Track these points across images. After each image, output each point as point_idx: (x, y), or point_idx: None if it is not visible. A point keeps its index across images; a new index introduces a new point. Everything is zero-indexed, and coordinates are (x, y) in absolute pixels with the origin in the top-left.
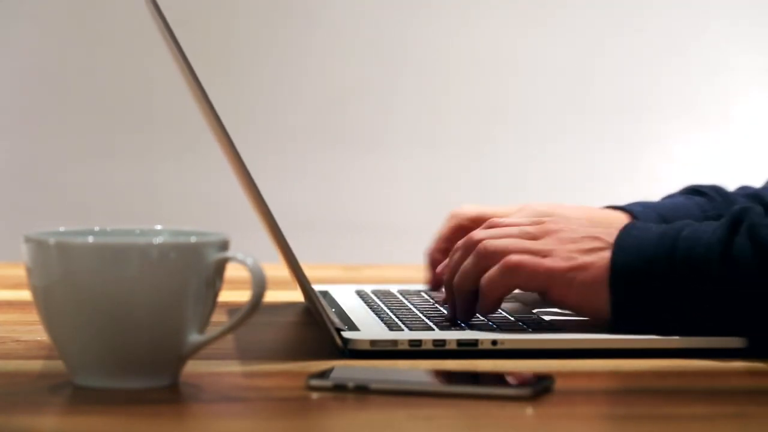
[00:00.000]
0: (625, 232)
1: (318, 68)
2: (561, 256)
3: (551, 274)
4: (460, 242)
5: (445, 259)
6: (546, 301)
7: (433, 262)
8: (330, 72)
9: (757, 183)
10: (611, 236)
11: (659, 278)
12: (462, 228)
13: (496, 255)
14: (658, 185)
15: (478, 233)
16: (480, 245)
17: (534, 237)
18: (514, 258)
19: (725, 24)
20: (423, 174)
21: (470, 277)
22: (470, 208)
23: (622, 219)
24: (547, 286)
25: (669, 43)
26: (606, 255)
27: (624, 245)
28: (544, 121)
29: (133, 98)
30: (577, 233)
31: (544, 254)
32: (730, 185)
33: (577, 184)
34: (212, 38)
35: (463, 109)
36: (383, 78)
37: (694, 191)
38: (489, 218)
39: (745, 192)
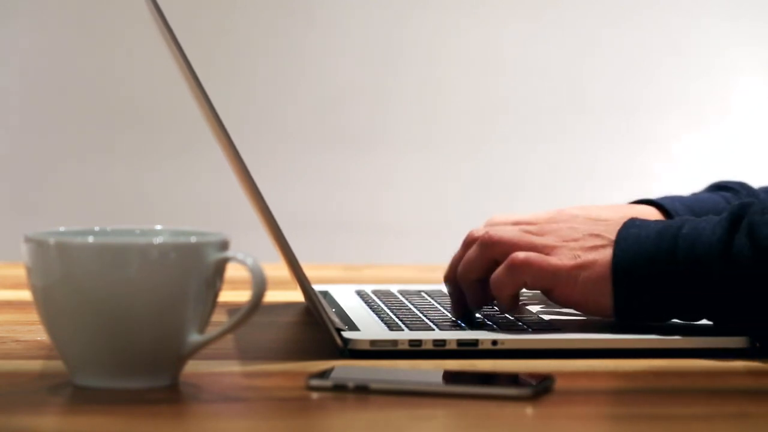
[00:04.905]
0: (624, 229)
1: (318, 68)
2: (564, 254)
3: (556, 272)
4: (464, 240)
5: None
6: (550, 300)
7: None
8: (330, 72)
9: (755, 181)
10: (612, 233)
11: (661, 276)
12: None
13: (501, 244)
14: (656, 184)
15: (479, 230)
16: (484, 235)
17: (535, 235)
18: (520, 256)
19: (722, 22)
20: (423, 174)
21: (474, 267)
22: (504, 215)
23: (652, 213)
24: (552, 284)
25: (666, 41)
26: (608, 252)
27: (624, 242)
28: (543, 120)
29: (132, 98)
30: (578, 231)
31: (548, 251)
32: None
33: (575, 183)
34: (212, 38)
35: (461, 108)
36: (383, 78)
37: (720, 187)
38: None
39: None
